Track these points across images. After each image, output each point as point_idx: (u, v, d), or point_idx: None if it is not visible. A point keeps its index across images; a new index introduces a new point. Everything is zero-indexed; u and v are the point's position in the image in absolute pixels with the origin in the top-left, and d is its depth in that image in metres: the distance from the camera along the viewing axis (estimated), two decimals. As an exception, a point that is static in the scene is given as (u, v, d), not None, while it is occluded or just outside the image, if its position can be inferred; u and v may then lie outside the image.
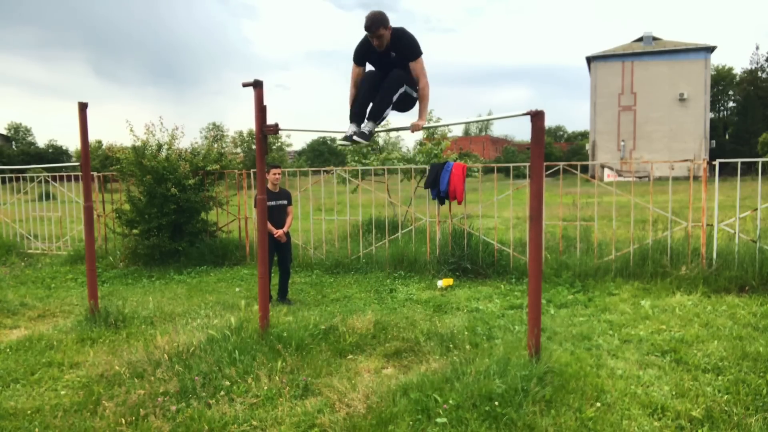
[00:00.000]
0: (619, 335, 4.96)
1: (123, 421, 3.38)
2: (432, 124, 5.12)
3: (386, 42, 4.06)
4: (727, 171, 13.45)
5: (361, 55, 4.25)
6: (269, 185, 6.58)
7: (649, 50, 47.01)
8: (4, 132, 72.96)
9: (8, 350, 4.83)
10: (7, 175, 11.33)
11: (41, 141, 77.35)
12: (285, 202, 6.68)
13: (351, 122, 4.36)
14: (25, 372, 4.32)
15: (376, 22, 3.96)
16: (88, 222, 5.76)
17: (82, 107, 5.40)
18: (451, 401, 3.39)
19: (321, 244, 9.23)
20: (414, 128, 4.26)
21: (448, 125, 5.16)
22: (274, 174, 6.58)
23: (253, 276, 8.01)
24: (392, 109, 4.33)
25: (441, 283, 7.12)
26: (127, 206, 9.27)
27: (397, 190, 9.80)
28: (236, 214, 9.46)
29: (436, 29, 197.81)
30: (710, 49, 46.36)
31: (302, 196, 9.70)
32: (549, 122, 74.27)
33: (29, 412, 3.60)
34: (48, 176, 11.33)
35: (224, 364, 4.08)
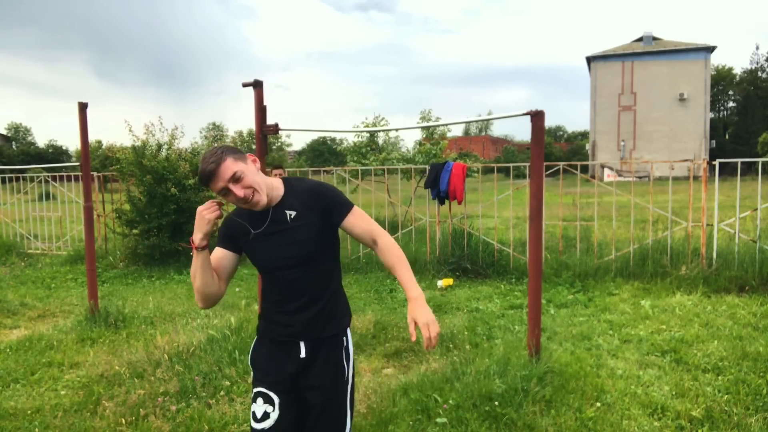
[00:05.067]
0: (619, 335, 4.95)
1: (123, 421, 3.38)
2: (432, 123, 5.10)
3: (265, 196, 1.98)
4: (727, 171, 13.45)
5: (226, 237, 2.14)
6: None
7: (649, 50, 47.02)
8: (4, 132, 72.96)
9: (8, 350, 4.83)
10: (7, 175, 11.32)
11: (41, 141, 77.44)
12: None
13: None
14: (25, 372, 4.32)
15: (216, 159, 1.91)
16: (88, 222, 5.76)
17: (82, 107, 5.40)
18: (451, 401, 3.40)
19: (321, 244, 9.22)
20: (428, 343, 1.86)
21: (447, 125, 5.16)
22: (275, 175, 6.59)
23: (253, 276, 8.00)
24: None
25: (441, 283, 7.13)
26: (127, 206, 9.26)
27: (397, 190, 9.80)
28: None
29: (434, 30, 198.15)
30: (710, 49, 46.38)
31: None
32: (549, 122, 74.40)
33: (29, 412, 3.60)
34: (48, 176, 11.33)
35: (224, 364, 4.08)
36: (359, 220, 2.05)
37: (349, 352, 2.15)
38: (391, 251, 2.01)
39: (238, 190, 1.90)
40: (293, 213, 2.02)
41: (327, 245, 2.07)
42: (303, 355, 2.06)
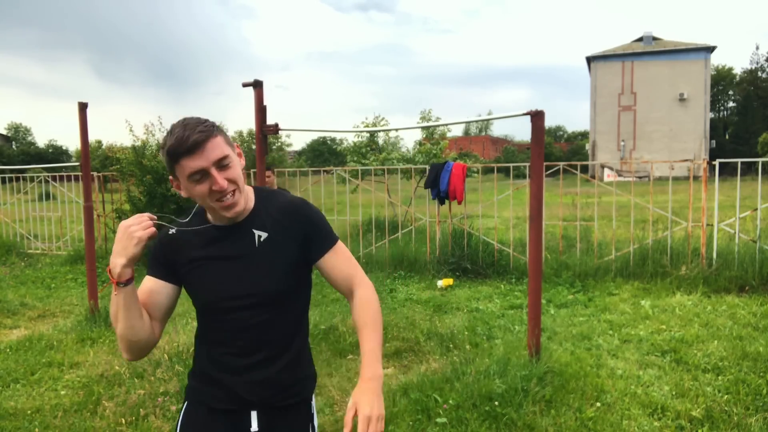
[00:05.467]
0: (619, 335, 4.96)
1: (123, 421, 3.38)
2: (432, 123, 5.08)
3: (244, 202, 1.52)
4: (727, 171, 13.44)
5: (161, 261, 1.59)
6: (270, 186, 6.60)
7: (649, 50, 47.01)
8: (4, 132, 72.99)
9: (8, 350, 4.83)
10: (7, 175, 11.32)
11: (41, 141, 77.56)
12: None
13: None
14: (25, 372, 4.32)
15: (207, 130, 1.43)
16: (88, 222, 5.76)
17: (82, 107, 5.40)
18: (451, 401, 3.40)
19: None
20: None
21: (447, 125, 5.14)
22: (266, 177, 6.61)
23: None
24: None
25: (441, 283, 7.12)
26: (127, 206, 9.26)
27: (397, 190, 9.80)
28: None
29: (434, 30, 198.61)
30: (710, 49, 46.37)
31: (302, 196, 9.70)
32: (549, 122, 74.20)
33: (29, 412, 3.60)
34: (48, 176, 11.33)
35: (224, 364, 4.07)
36: (341, 261, 1.58)
37: (314, 424, 1.67)
38: (368, 308, 1.52)
39: (221, 179, 1.41)
40: (263, 235, 1.52)
41: (300, 286, 1.60)
42: (255, 428, 1.55)
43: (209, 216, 1.57)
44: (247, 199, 1.54)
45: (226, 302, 1.51)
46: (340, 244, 1.61)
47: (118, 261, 1.38)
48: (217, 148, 1.41)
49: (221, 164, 1.42)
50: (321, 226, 1.59)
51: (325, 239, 1.58)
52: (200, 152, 1.38)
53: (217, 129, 1.44)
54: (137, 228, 1.39)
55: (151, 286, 1.54)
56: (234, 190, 1.45)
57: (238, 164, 1.48)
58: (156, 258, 1.55)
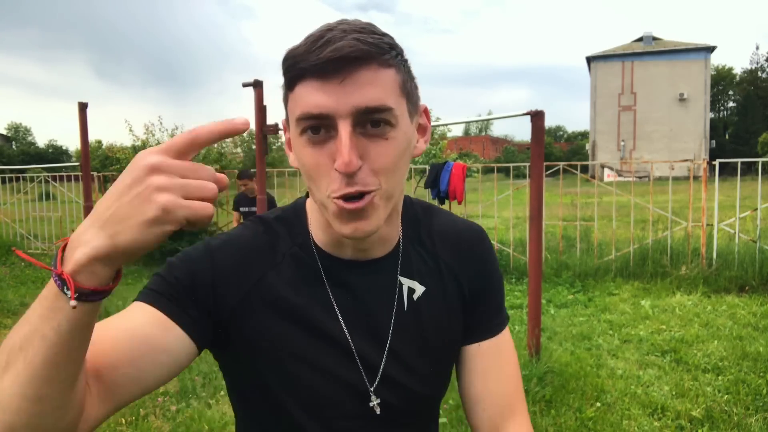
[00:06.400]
0: (619, 335, 4.96)
1: (123, 421, 3.38)
2: (432, 123, 5.09)
3: (382, 210, 0.70)
4: (727, 171, 13.44)
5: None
6: (247, 192, 6.61)
7: (649, 50, 47.04)
8: (4, 132, 73.06)
9: (8, 350, 4.83)
10: (7, 175, 11.32)
11: (41, 141, 77.68)
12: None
13: None
14: (25, 372, 4.32)
15: (382, 45, 0.67)
16: (88, 222, 5.75)
17: (82, 107, 5.40)
18: (451, 401, 3.40)
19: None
20: None
21: (447, 125, 5.15)
22: (241, 186, 6.63)
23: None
24: None
25: (441, 283, 7.12)
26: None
27: (397, 190, 9.79)
28: (236, 214, 9.45)
29: (434, 30, 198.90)
30: (710, 49, 46.39)
31: (302, 197, 9.68)
32: (549, 122, 74.10)
33: (29, 412, 3.60)
34: (48, 176, 11.33)
35: (224, 364, 4.07)
36: (504, 365, 0.89)
37: None
38: None
39: (351, 150, 0.65)
40: (418, 289, 0.83)
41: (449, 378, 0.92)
42: None
43: (314, 232, 0.84)
44: (394, 218, 0.82)
45: (337, 412, 0.79)
46: (507, 330, 0.92)
47: (96, 243, 0.51)
48: (376, 85, 0.67)
49: (371, 120, 0.67)
50: (500, 287, 0.92)
51: (497, 314, 0.91)
52: (340, 78, 0.65)
53: (397, 56, 0.71)
54: (193, 187, 0.53)
55: (146, 328, 0.75)
56: (373, 192, 0.68)
57: (406, 143, 0.72)
58: (188, 284, 0.77)
